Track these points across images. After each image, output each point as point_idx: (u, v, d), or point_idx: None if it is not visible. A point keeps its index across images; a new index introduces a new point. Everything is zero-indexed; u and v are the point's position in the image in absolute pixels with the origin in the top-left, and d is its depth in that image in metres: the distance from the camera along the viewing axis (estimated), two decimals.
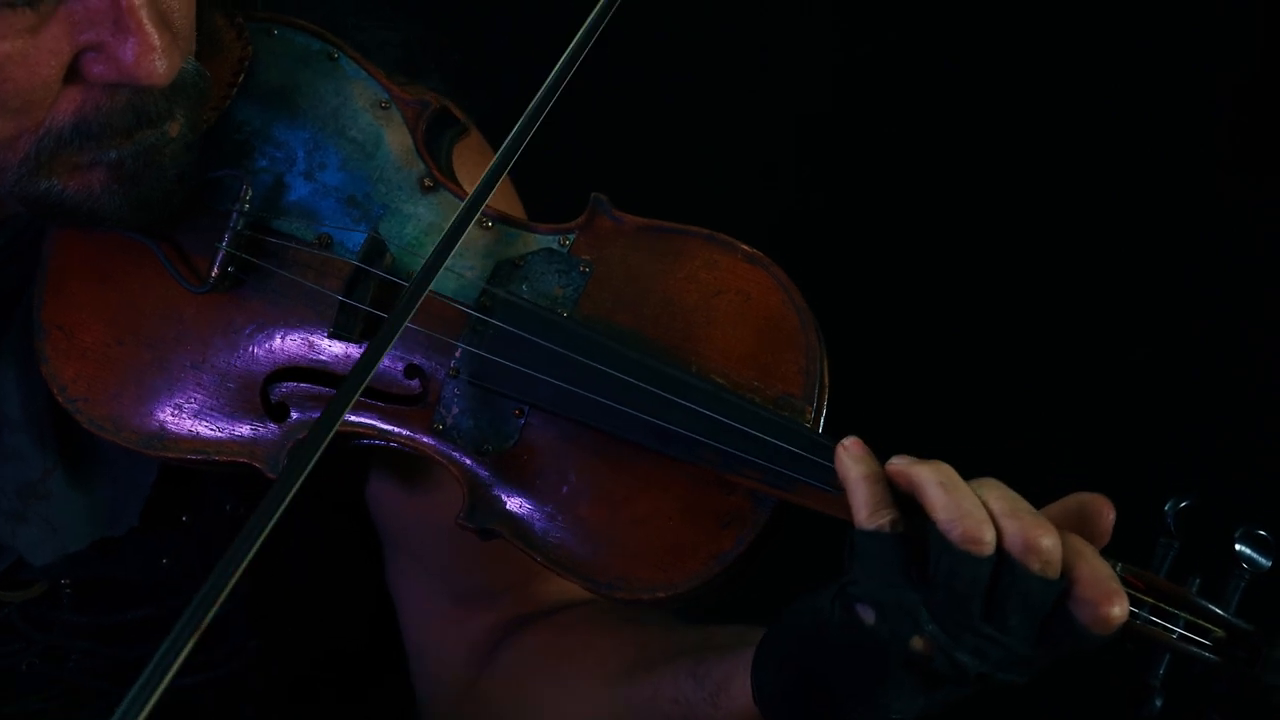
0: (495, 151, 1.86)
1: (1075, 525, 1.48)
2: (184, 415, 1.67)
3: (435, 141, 1.71)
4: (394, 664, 1.94)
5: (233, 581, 1.36)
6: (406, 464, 1.78)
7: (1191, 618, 1.48)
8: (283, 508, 1.39)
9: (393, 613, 1.91)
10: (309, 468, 1.42)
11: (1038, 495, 1.50)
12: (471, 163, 1.77)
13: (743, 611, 1.66)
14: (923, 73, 2.74)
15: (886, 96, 2.77)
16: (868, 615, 1.46)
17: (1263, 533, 1.49)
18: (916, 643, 1.44)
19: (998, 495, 1.46)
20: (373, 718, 1.98)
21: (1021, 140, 2.73)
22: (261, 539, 1.38)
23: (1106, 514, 1.49)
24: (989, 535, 1.43)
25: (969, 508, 1.44)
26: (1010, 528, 1.44)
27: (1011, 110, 2.72)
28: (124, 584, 1.80)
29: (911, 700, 1.47)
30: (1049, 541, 1.43)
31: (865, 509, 1.47)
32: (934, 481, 1.45)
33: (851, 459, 1.48)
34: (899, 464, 1.48)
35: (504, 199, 1.79)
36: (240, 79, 1.69)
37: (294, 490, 1.40)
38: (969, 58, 2.73)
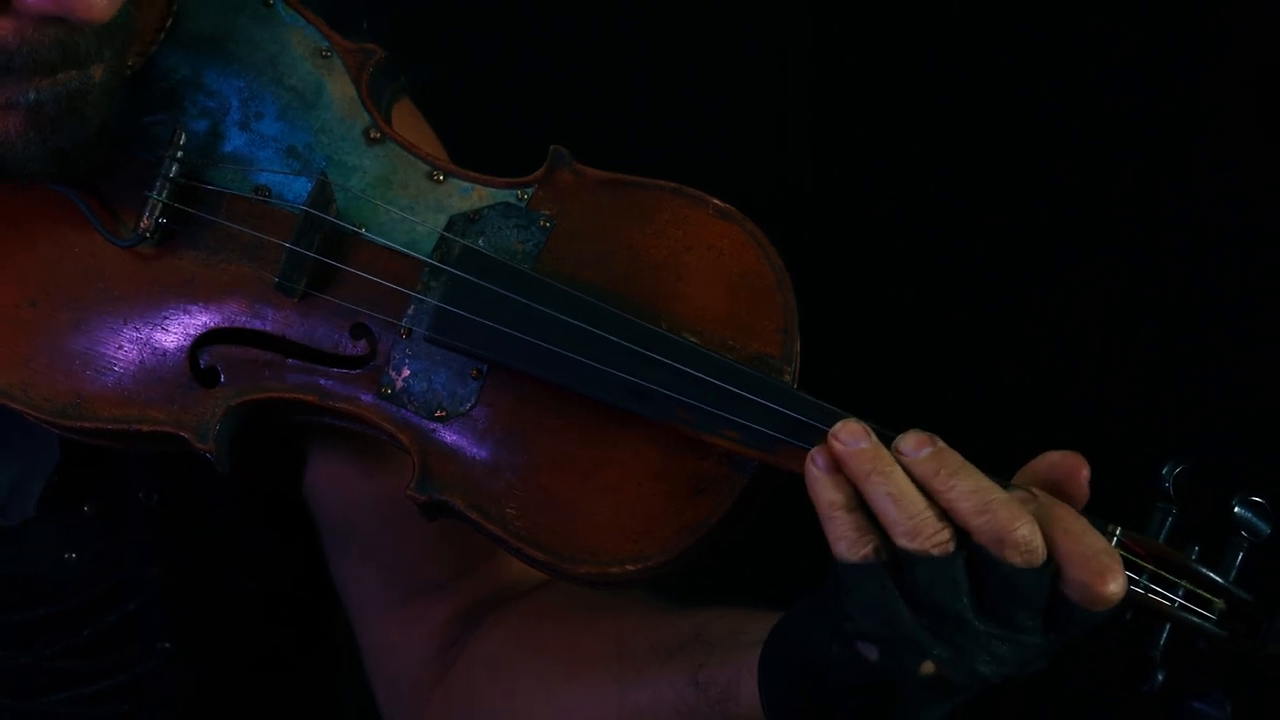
0: (426, 120, 1.80)
1: (1049, 488, 1.40)
2: (104, 381, 1.54)
3: (379, 93, 1.61)
4: (325, 673, 1.83)
5: None
6: (347, 445, 1.68)
7: (1192, 587, 1.42)
8: None
9: (324, 618, 1.81)
10: None
11: (1028, 460, 1.42)
12: (405, 127, 1.68)
13: (720, 591, 1.58)
14: (917, 49, 2.71)
15: (875, 65, 2.74)
16: (870, 652, 1.38)
17: (1261, 499, 1.43)
18: (927, 667, 1.37)
19: (965, 490, 1.36)
20: None
21: (1006, 98, 2.70)
22: None
23: (1080, 471, 1.41)
24: (943, 533, 1.35)
25: (915, 511, 1.36)
26: (980, 524, 1.35)
27: (998, 75, 2.70)
28: (25, 581, 1.67)
29: (938, 709, 1.40)
30: (1025, 531, 1.35)
31: (844, 541, 1.38)
32: (881, 495, 1.37)
33: (822, 483, 1.39)
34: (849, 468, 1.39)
35: (429, 144, 1.72)
36: (168, 24, 1.58)
37: None
38: (964, 34, 2.70)
